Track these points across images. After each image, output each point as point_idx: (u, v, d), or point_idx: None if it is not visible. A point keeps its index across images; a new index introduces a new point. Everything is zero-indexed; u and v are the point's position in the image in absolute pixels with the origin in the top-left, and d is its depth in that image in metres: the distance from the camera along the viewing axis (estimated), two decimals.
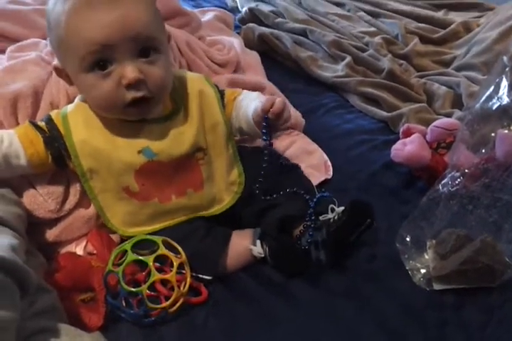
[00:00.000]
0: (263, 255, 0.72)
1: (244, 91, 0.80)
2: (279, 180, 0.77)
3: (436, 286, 0.73)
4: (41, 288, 0.60)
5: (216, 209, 0.77)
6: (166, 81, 0.66)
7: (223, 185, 0.77)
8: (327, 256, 0.70)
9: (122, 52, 0.61)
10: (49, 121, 0.69)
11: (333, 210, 0.73)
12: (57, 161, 0.69)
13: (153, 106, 0.68)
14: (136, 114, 0.67)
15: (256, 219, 0.76)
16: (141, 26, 0.62)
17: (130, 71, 0.61)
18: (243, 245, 0.73)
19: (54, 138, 0.68)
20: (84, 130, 0.68)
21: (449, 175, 0.72)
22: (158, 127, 0.70)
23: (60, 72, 0.68)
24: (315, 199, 0.73)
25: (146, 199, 0.72)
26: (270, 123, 0.69)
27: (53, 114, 0.71)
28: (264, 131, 0.70)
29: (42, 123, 0.69)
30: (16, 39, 0.93)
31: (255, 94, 0.78)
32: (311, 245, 0.71)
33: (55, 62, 0.68)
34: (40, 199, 0.71)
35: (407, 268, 0.75)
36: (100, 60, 0.62)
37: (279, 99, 0.70)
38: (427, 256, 0.76)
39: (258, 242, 0.73)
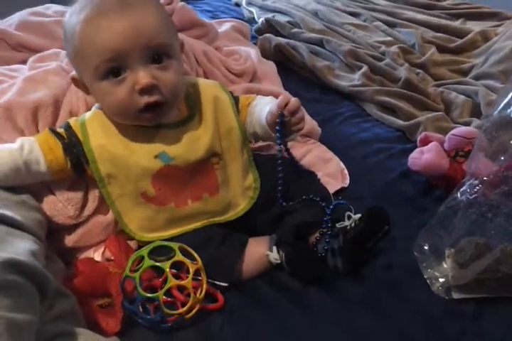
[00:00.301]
0: (279, 261, 0.72)
1: (258, 96, 0.80)
2: (296, 186, 0.77)
3: (455, 295, 0.72)
4: (60, 292, 0.60)
5: (231, 215, 0.77)
6: (178, 86, 0.67)
7: (238, 190, 0.77)
8: (344, 264, 0.70)
9: (135, 59, 0.63)
10: (68, 128, 0.71)
11: (349, 217, 0.72)
12: (76, 167, 0.70)
13: (167, 111, 0.68)
14: (150, 119, 0.68)
15: (272, 226, 0.77)
16: (153, 33, 0.63)
17: (143, 77, 0.63)
18: (259, 252, 0.73)
19: (73, 145, 0.69)
20: (102, 136, 0.70)
21: (468, 183, 0.71)
22: (174, 132, 0.71)
23: (77, 82, 0.70)
24: (331, 206, 0.73)
25: (162, 203, 0.72)
26: (284, 122, 0.69)
27: (72, 121, 0.72)
28: (278, 131, 0.70)
29: (61, 130, 0.71)
30: (37, 50, 0.95)
31: (269, 98, 0.78)
32: (327, 252, 0.71)
33: (73, 73, 0.70)
34: (60, 206, 0.72)
35: (425, 276, 0.75)
36: (114, 68, 0.63)
37: (294, 98, 0.70)
38: (445, 265, 0.75)
39: (274, 248, 0.73)
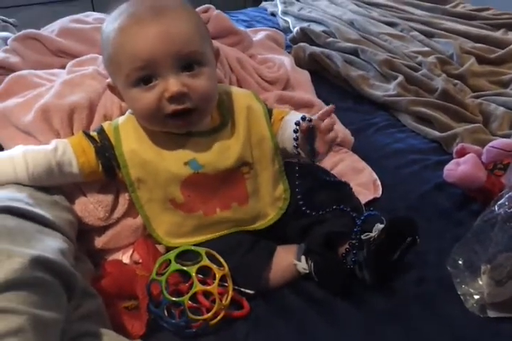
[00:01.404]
0: (308, 271, 0.71)
1: (292, 111, 0.80)
2: (325, 194, 0.76)
3: (491, 314, 0.68)
4: (87, 292, 0.61)
5: (260, 225, 0.76)
6: (210, 93, 0.67)
7: (268, 200, 0.76)
8: (371, 276, 0.68)
9: (166, 67, 0.63)
10: (101, 131, 0.72)
11: (377, 229, 0.70)
12: (107, 171, 0.71)
13: (198, 118, 0.68)
14: (180, 126, 0.68)
15: (301, 235, 0.75)
16: (184, 41, 0.64)
17: (173, 85, 0.63)
18: (288, 260, 0.72)
19: (105, 148, 0.70)
20: (134, 141, 0.71)
21: (507, 196, 0.69)
22: (205, 140, 0.71)
23: (112, 89, 0.72)
24: (362, 217, 0.71)
25: (191, 211, 0.72)
26: (314, 129, 0.68)
27: (105, 125, 0.73)
28: (308, 142, 0.69)
29: (94, 134, 0.72)
30: (76, 55, 0.98)
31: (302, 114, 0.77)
32: (355, 265, 0.69)
33: (109, 79, 0.72)
34: (91, 207, 0.73)
35: (459, 292, 0.72)
36: (145, 76, 0.64)
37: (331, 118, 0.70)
38: (481, 282, 0.71)
39: (303, 258, 0.72)
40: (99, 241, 0.74)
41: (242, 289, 0.69)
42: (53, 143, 0.70)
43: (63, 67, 0.96)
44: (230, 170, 0.72)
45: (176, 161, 0.70)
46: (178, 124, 0.67)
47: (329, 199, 0.75)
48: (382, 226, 0.70)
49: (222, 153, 0.71)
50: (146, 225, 0.73)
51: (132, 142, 0.70)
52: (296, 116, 0.76)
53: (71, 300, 0.54)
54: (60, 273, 0.53)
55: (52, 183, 0.70)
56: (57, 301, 0.51)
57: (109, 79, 0.72)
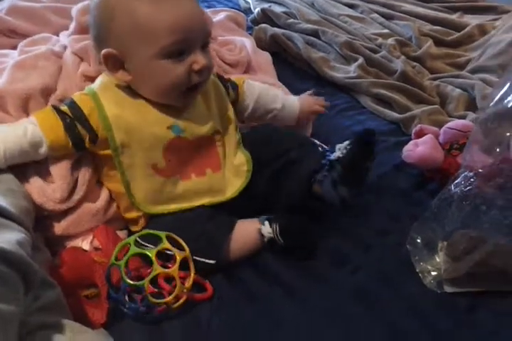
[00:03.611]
0: (272, 235, 0.72)
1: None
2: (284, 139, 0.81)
3: (448, 289, 0.71)
4: (46, 283, 0.59)
5: (231, 194, 0.78)
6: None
7: (233, 170, 0.79)
8: (349, 191, 0.72)
9: (197, 42, 0.68)
10: (72, 104, 0.71)
11: (339, 149, 0.74)
12: (77, 145, 0.71)
13: (201, 91, 0.74)
14: (190, 98, 0.73)
15: (270, 183, 0.78)
16: (207, 21, 0.70)
17: (202, 58, 0.68)
18: (250, 228, 0.74)
19: (78, 120, 0.69)
20: (116, 107, 0.71)
21: (462, 175, 0.71)
22: (183, 111, 0.74)
23: (108, 58, 0.69)
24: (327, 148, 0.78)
25: (169, 175, 0.74)
26: None
27: (76, 96, 0.72)
28: None
29: (65, 108, 0.70)
30: (28, 35, 0.94)
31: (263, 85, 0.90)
32: (330, 187, 0.72)
33: (106, 49, 0.68)
34: (49, 191, 0.70)
35: (417, 270, 0.74)
36: (181, 49, 0.67)
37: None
38: (438, 258, 0.74)
39: (267, 222, 0.73)
40: (59, 227, 0.72)
41: (203, 259, 0.69)
42: (22, 125, 0.69)
43: (14, 47, 0.92)
44: (206, 136, 0.76)
45: (159, 125, 0.72)
46: (190, 96, 0.72)
47: (287, 143, 0.80)
48: (346, 142, 0.74)
49: (200, 119, 0.75)
50: (126, 191, 0.73)
51: (114, 107, 0.71)
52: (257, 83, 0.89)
53: (29, 292, 0.53)
54: (17, 264, 0.51)
55: (25, 161, 0.70)
56: (15, 293, 0.49)
57: (107, 49, 0.68)
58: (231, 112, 0.81)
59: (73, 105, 0.70)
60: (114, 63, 0.70)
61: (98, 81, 0.75)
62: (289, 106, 0.90)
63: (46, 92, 0.79)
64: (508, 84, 0.69)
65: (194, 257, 0.68)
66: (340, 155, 0.73)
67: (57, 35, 0.94)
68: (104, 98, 0.71)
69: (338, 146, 0.76)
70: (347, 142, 0.75)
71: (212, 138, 0.78)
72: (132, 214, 0.76)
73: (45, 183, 0.71)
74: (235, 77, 0.97)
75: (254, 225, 0.74)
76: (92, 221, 0.73)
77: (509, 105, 0.67)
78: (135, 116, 0.71)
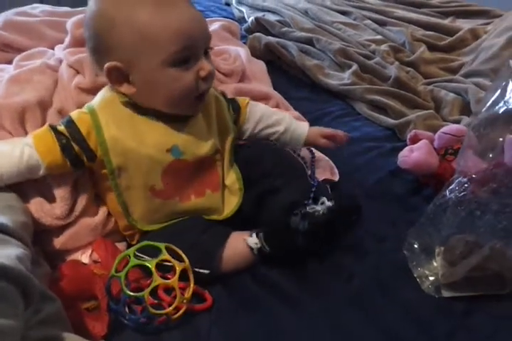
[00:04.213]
0: (259, 245, 0.71)
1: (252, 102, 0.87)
2: (273, 163, 0.79)
3: (445, 294, 0.71)
4: (46, 296, 0.59)
5: (228, 212, 0.78)
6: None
7: (227, 187, 0.79)
8: (308, 245, 0.70)
9: (201, 48, 0.67)
10: (69, 123, 0.69)
11: (322, 203, 0.72)
12: (76, 164, 0.70)
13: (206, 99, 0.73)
14: (199, 106, 0.72)
15: (256, 206, 0.77)
16: (207, 25, 0.70)
17: (207, 64, 0.67)
18: (240, 239, 0.73)
19: (75, 141, 0.68)
20: (114, 127, 0.69)
21: (457, 181, 0.71)
22: (183, 126, 0.72)
23: (112, 71, 0.66)
24: (313, 189, 0.76)
25: (168, 198, 0.73)
26: None
27: (74, 114, 0.70)
28: None
29: (62, 128, 0.69)
30: (23, 50, 0.95)
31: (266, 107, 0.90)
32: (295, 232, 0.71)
33: (109, 63, 0.66)
34: (47, 207, 0.71)
35: (415, 275, 0.74)
36: (186, 56, 0.65)
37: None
38: (435, 263, 0.74)
39: (254, 234, 0.72)
40: (57, 242, 0.72)
41: (197, 269, 0.69)
42: (19, 146, 0.68)
43: (9, 62, 0.93)
44: (206, 157, 0.74)
45: (158, 148, 0.70)
46: (198, 104, 0.71)
47: (276, 166, 0.78)
48: (328, 204, 0.71)
49: (200, 140, 0.73)
50: (123, 210, 0.73)
51: (113, 128, 0.69)
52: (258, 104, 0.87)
53: (29, 307, 0.53)
54: (17, 279, 0.51)
55: (24, 180, 0.70)
56: (14, 308, 0.50)
57: (110, 63, 0.66)
58: (231, 129, 0.79)
59: (71, 125, 0.69)
60: (118, 76, 0.67)
61: (99, 97, 0.73)
62: (294, 131, 0.86)
63: (42, 106, 0.79)
64: (499, 90, 0.70)
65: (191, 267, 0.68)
66: (316, 213, 0.70)
67: (53, 49, 0.95)
68: (104, 117, 0.69)
69: (322, 199, 0.73)
70: (330, 205, 0.71)
71: (213, 157, 0.76)
72: (129, 232, 0.77)
73: (44, 199, 0.71)
74: (237, 92, 0.99)
75: (244, 236, 0.73)
76: (91, 235, 0.73)
77: (501, 110, 0.68)
78: (133, 139, 0.69)
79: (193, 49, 0.66)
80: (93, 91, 0.81)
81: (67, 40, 0.92)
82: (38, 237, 0.70)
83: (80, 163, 0.70)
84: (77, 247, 0.73)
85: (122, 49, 0.65)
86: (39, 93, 0.80)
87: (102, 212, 0.75)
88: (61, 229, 0.73)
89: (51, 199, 0.72)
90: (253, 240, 0.72)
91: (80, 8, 1.07)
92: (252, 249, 0.72)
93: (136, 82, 0.67)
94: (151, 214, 0.74)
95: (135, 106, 0.70)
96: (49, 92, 0.82)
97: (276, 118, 0.86)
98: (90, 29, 0.68)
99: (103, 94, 0.72)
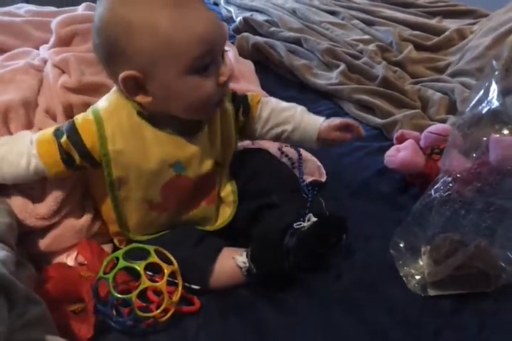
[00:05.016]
0: (247, 264, 0.69)
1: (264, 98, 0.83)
2: (270, 179, 0.78)
3: (431, 292, 0.72)
4: (30, 299, 0.59)
5: (220, 223, 0.77)
6: None
7: (221, 199, 0.78)
8: (294, 263, 0.69)
9: (219, 51, 0.63)
10: (73, 132, 0.66)
11: (309, 219, 0.72)
12: (80, 171, 0.70)
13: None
14: (215, 112, 0.70)
15: (250, 221, 0.76)
16: (224, 26, 0.66)
17: (226, 69, 0.64)
18: (230, 257, 0.71)
19: (79, 152, 0.66)
20: (120, 139, 0.66)
21: (442, 180, 0.72)
22: (191, 140, 0.69)
23: (128, 81, 0.62)
24: (308, 204, 0.75)
25: (164, 211, 0.72)
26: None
27: (79, 121, 0.66)
28: None
29: (64, 139, 0.66)
30: (7, 50, 0.93)
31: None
32: (285, 250, 0.70)
33: (125, 72, 0.61)
34: (31, 207, 0.70)
35: (401, 274, 0.75)
36: (207, 62, 0.61)
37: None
38: (421, 262, 0.75)
39: (244, 253, 0.70)
40: (42, 244, 0.72)
41: (187, 284, 0.69)
42: (24, 158, 0.67)
43: None
44: (207, 173, 0.72)
45: (161, 163, 0.67)
46: (215, 110, 0.69)
47: (273, 182, 0.77)
48: (314, 219, 0.71)
49: (203, 157, 0.70)
50: (117, 219, 0.72)
51: (118, 140, 0.65)
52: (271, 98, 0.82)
53: (13, 310, 0.52)
54: (0, 283, 0.51)
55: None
56: None
57: (126, 72, 0.61)
58: (234, 140, 0.76)
59: (74, 135, 0.65)
60: (134, 86, 0.62)
61: (106, 101, 0.68)
62: (305, 129, 0.79)
63: (26, 105, 0.78)
64: (483, 89, 0.70)
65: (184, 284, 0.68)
66: (302, 229, 0.70)
67: (38, 49, 0.94)
68: (110, 127, 0.65)
69: (308, 216, 0.72)
70: (315, 220, 0.71)
71: (214, 170, 0.73)
72: (119, 237, 0.76)
73: (27, 200, 0.70)
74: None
75: (234, 254, 0.71)
76: (76, 237, 0.73)
77: (484, 110, 0.68)
78: (138, 153, 0.66)
79: (213, 53, 0.62)
80: (79, 90, 0.80)
81: (52, 39, 0.91)
82: (23, 239, 0.69)
83: (84, 169, 0.70)
84: (62, 249, 0.73)
85: (140, 57, 0.60)
86: (23, 93, 0.79)
87: (88, 214, 0.75)
88: (45, 231, 0.72)
89: (35, 199, 0.71)
90: (241, 259, 0.70)
91: (65, 8, 1.06)
92: (241, 268, 0.70)
93: (153, 91, 0.63)
94: (145, 225, 0.73)
95: (145, 114, 0.66)
96: (33, 92, 0.81)
97: (286, 115, 0.80)
98: (102, 36, 0.62)
99: (111, 98, 0.68)
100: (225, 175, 0.77)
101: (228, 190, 0.77)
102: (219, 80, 0.63)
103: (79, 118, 0.67)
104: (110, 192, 0.69)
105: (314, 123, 0.79)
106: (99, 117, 0.66)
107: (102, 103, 0.68)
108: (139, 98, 0.63)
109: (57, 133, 0.67)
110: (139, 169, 0.67)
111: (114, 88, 0.68)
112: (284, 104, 0.82)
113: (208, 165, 0.71)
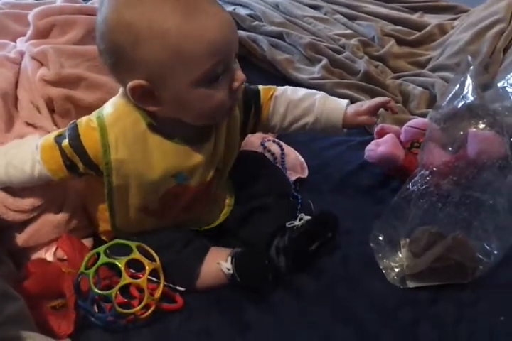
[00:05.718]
0: (231, 271, 0.68)
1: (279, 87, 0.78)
2: (263, 183, 0.79)
3: (410, 284, 0.73)
4: (8, 296, 0.58)
5: (212, 223, 0.78)
6: None
7: (216, 201, 0.78)
8: (286, 263, 0.70)
9: (233, 56, 0.60)
10: (76, 139, 0.64)
11: (301, 219, 0.73)
12: (86, 175, 0.69)
13: None
14: (226, 116, 0.67)
15: (241, 222, 0.77)
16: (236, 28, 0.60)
17: (240, 74, 0.61)
18: (216, 262, 0.70)
19: (81, 160, 0.65)
20: (123, 147, 0.63)
21: (419, 174, 0.73)
22: (196, 150, 0.67)
23: (137, 90, 0.59)
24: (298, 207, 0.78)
25: (159, 216, 0.72)
26: None
27: (82, 127, 0.64)
28: None
29: (66, 144, 0.64)
30: None
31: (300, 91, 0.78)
32: (275, 250, 0.71)
33: (133, 81, 0.58)
34: (10, 201, 0.70)
35: (381, 267, 0.76)
36: (221, 70, 0.58)
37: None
38: (400, 255, 0.76)
39: (229, 258, 0.69)
40: (20, 239, 0.71)
41: (172, 285, 0.69)
42: (28, 164, 0.67)
43: None
44: (207, 181, 0.71)
45: (164, 174, 0.66)
46: (227, 115, 0.67)
47: (267, 185, 0.78)
48: (307, 217, 0.72)
49: (206, 167, 0.69)
50: (109, 219, 0.71)
51: (121, 149, 0.63)
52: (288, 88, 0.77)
53: None
54: None
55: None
56: None
57: (133, 82, 0.58)
58: (237, 145, 0.74)
59: (77, 141, 0.64)
60: (142, 94, 0.59)
61: (112, 106, 0.65)
62: (327, 118, 0.75)
63: (5, 98, 0.77)
64: (458, 85, 0.71)
65: (165, 283, 0.68)
66: (295, 228, 0.72)
67: (15, 42, 0.93)
68: (114, 135, 0.63)
69: (300, 215, 0.74)
70: (308, 218, 0.73)
71: (213, 178, 0.71)
72: (107, 235, 0.76)
73: (6, 193, 0.70)
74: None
75: (220, 258, 0.70)
76: (54, 232, 0.72)
77: (459, 105, 0.69)
78: (141, 163, 0.64)
79: (226, 60, 0.58)
80: (58, 83, 0.80)
81: (29, 31, 0.89)
82: (1, 235, 0.69)
83: (90, 176, 0.68)
84: (40, 244, 0.72)
85: (149, 66, 0.57)
86: (0, 85, 0.78)
87: (67, 208, 0.74)
88: (23, 226, 0.72)
89: (14, 193, 0.71)
90: (226, 265, 0.69)
91: (43, 0, 1.05)
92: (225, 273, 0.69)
93: (163, 100, 0.60)
94: (138, 227, 0.73)
95: (154, 123, 0.64)
96: (10, 85, 0.80)
97: (305, 106, 0.75)
98: (108, 42, 0.58)
99: (117, 103, 0.65)
100: (224, 179, 0.76)
101: (225, 194, 0.78)
102: (232, 85, 0.60)
103: (83, 122, 0.65)
104: (108, 198, 0.68)
105: (337, 111, 0.75)
106: (103, 125, 0.63)
107: (108, 108, 0.65)
108: (148, 106, 0.61)
109: (59, 140, 0.65)
110: (140, 178, 0.66)
111: (121, 92, 0.65)
112: (302, 92, 0.77)
113: (209, 175, 0.70)
